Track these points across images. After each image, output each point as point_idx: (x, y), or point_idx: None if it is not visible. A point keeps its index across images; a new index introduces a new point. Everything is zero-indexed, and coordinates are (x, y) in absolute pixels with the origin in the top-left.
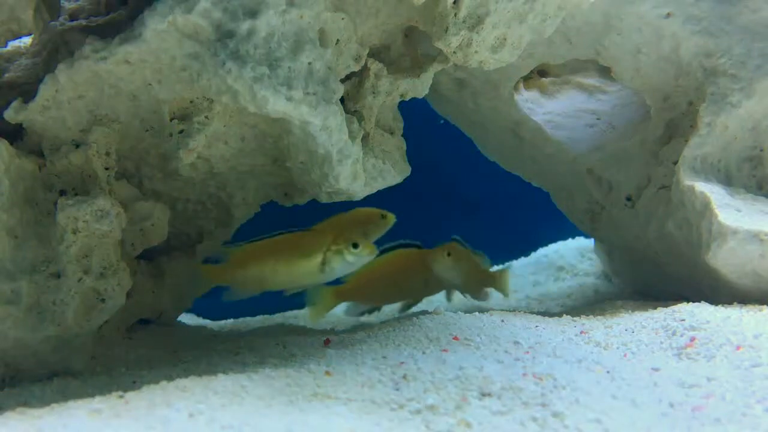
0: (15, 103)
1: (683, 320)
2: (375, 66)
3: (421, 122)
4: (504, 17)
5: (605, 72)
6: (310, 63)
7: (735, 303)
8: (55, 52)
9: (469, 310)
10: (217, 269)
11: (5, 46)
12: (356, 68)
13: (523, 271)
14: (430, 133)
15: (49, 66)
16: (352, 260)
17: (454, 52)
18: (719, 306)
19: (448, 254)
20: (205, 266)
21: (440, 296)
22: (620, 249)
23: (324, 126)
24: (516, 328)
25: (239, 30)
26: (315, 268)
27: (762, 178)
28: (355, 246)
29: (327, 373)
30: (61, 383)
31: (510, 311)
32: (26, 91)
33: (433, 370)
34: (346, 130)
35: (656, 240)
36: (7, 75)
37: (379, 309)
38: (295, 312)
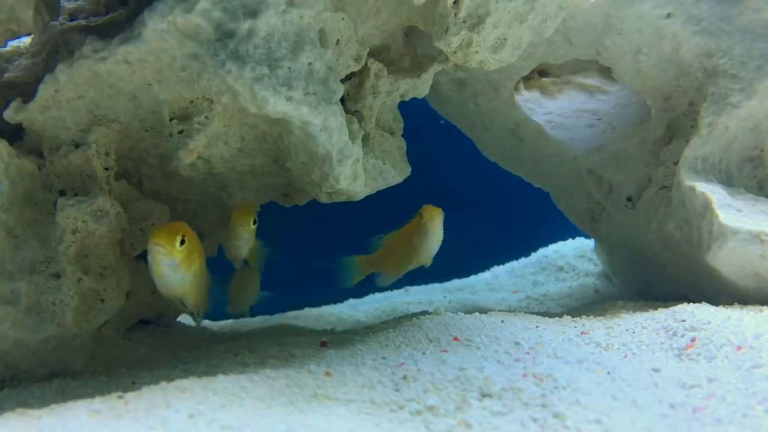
0: (14, 103)
1: (684, 321)
2: (375, 66)
3: (421, 122)
4: (504, 17)
5: (606, 72)
6: (310, 63)
7: (735, 303)
8: (54, 52)
9: (469, 311)
10: (371, 258)
11: (5, 46)
12: (356, 68)
13: (524, 271)
14: (430, 133)
15: (49, 66)
16: None
17: (455, 52)
18: (720, 306)
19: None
20: (360, 257)
21: (440, 296)
22: (621, 249)
23: (324, 126)
24: (516, 329)
25: (239, 30)
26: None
27: (763, 178)
28: None
29: (327, 373)
30: (61, 383)
31: (510, 312)
32: (26, 91)
33: (433, 371)
34: (346, 130)
35: (657, 240)
36: (6, 75)
37: None
38: (296, 312)
